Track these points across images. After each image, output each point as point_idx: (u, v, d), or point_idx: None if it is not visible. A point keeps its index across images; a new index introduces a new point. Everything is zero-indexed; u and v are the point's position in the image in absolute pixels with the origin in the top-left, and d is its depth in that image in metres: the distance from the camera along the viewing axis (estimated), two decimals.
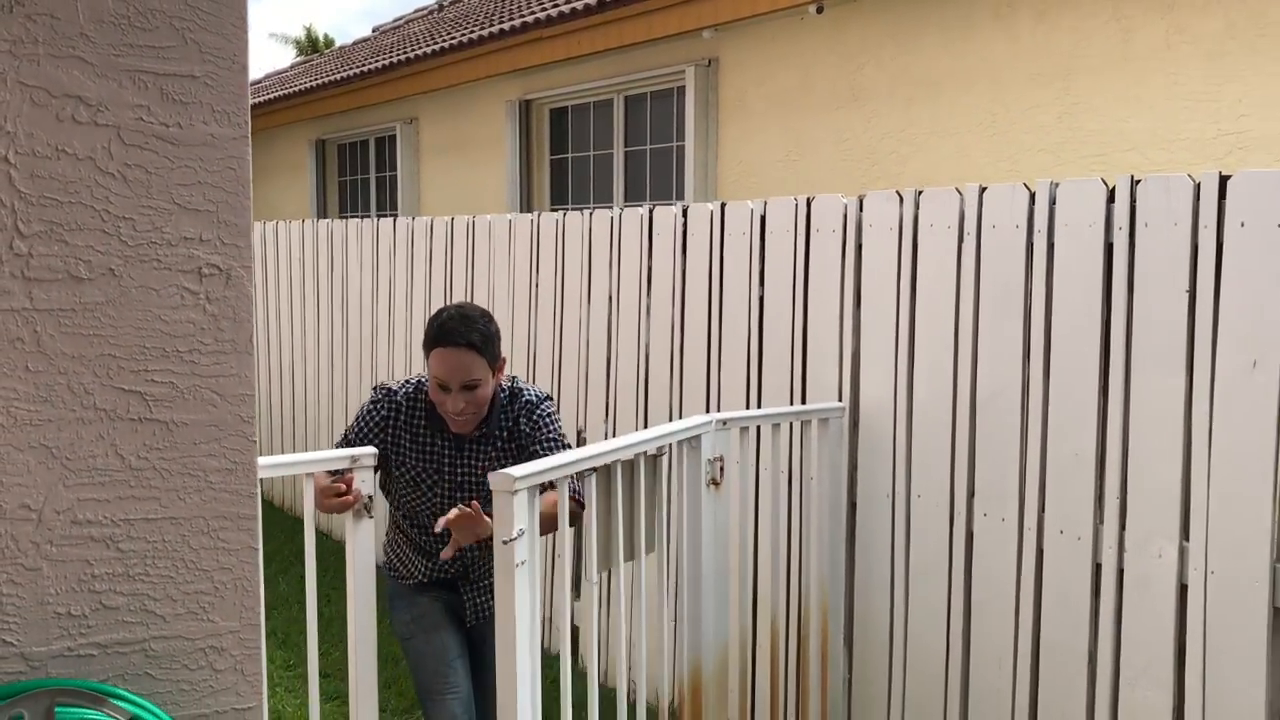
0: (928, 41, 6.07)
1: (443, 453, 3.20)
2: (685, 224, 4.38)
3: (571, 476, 2.76)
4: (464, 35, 9.37)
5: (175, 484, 1.94)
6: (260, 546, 2.04)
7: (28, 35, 1.77)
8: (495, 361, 3.09)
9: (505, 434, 3.19)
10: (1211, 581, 2.81)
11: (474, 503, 2.93)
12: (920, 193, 3.46)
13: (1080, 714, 3.10)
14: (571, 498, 2.91)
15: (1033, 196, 3.15)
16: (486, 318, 3.10)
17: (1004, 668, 3.29)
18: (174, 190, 1.90)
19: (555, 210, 9.14)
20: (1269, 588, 2.72)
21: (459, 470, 3.20)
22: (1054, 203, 3.10)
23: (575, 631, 4.48)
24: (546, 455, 2.98)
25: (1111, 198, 2.97)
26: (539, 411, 3.19)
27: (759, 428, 3.65)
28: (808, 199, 3.83)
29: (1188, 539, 2.88)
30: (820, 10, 6.37)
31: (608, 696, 4.16)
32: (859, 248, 3.65)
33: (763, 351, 4.02)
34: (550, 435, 3.17)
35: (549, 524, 2.87)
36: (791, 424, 3.74)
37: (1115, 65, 5.28)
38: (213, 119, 1.92)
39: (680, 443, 3.34)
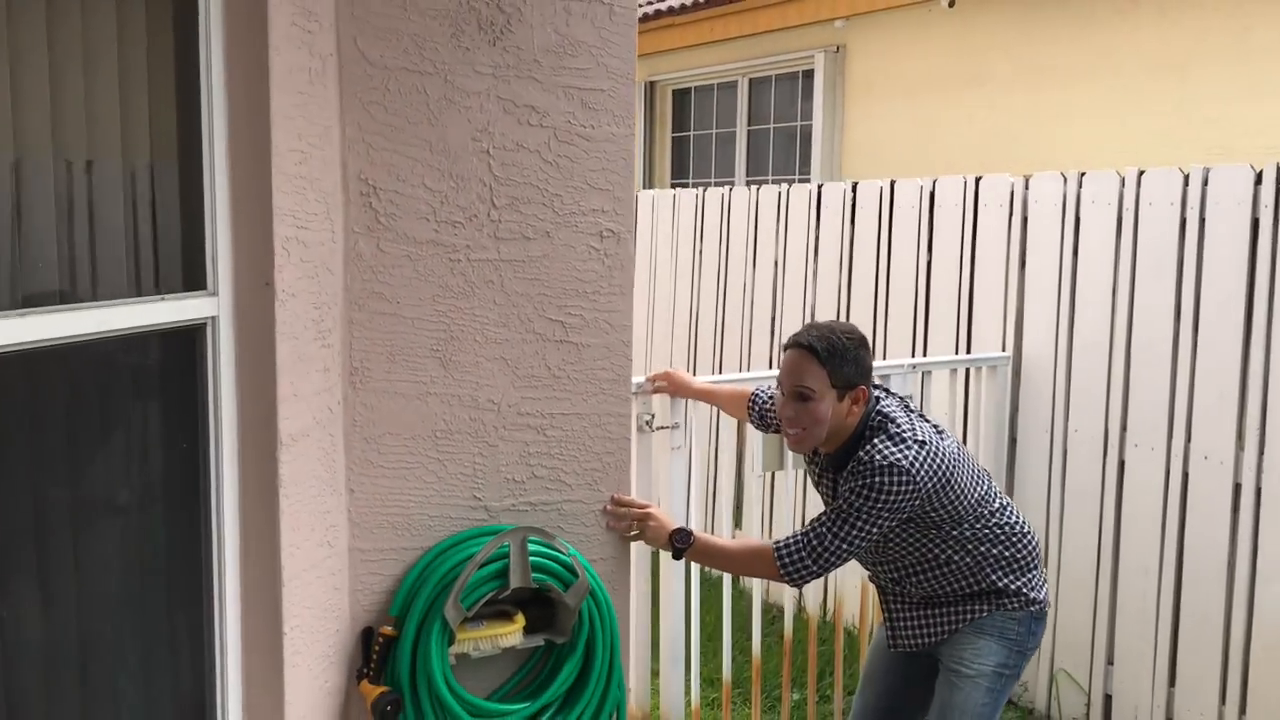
0: (1052, 33, 6.65)
1: (815, 469, 3.00)
2: (854, 198, 5.03)
3: (795, 539, 2.77)
4: None
5: (580, 389, 2.65)
6: (630, 437, 2.75)
7: (503, 62, 2.47)
8: (840, 382, 2.72)
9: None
10: None
11: None
12: (1083, 174, 4.08)
13: (1219, 610, 3.74)
14: (775, 561, 2.78)
15: (1186, 178, 3.77)
16: (848, 334, 2.76)
17: (1150, 575, 3.93)
18: (587, 174, 2.59)
19: (675, 185, 9.82)
20: None
21: (822, 488, 2.99)
22: (1206, 184, 3.71)
23: None
24: (835, 506, 2.73)
25: (1259, 180, 3.58)
26: (866, 470, 2.66)
27: (930, 372, 4.30)
28: (976, 178, 4.47)
29: None
30: (952, 4, 6.96)
31: (799, 617, 4.85)
32: (1024, 220, 4.28)
33: (929, 309, 4.67)
34: (850, 496, 2.69)
35: (729, 564, 3.02)
36: (960, 370, 4.39)
37: (1232, 59, 5.83)
38: (613, 121, 2.62)
39: None
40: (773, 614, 5.05)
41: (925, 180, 4.70)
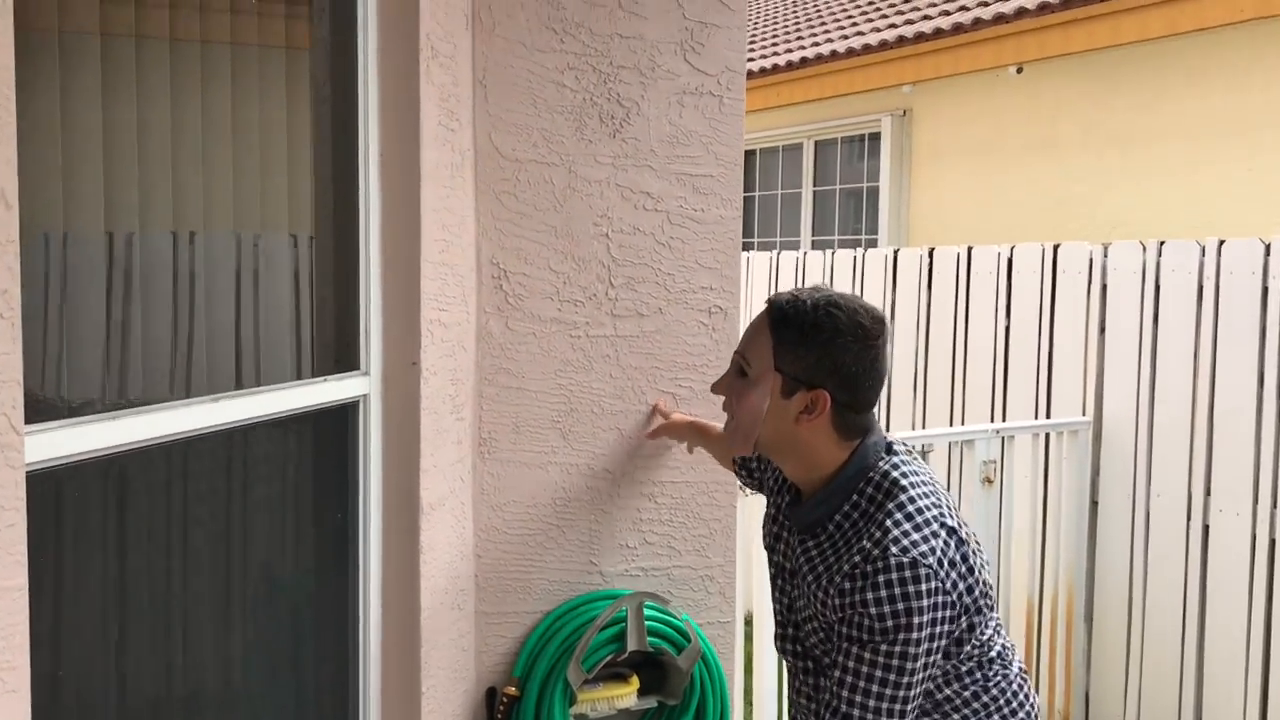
0: (1122, 98, 6.75)
1: (777, 515, 2.02)
2: (930, 264, 5.14)
3: None
4: None
5: (689, 459, 2.77)
6: (736, 505, 2.86)
7: (622, 152, 2.63)
8: (788, 366, 1.78)
9: (837, 544, 1.80)
10: None
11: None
12: (1163, 243, 4.17)
13: None
14: None
15: (1268, 248, 3.85)
16: (836, 308, 1.76)
17: (1237, 640, 3.96)
18: (698, 255, 2.74)
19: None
20: None
21: (780, 547, 1.99)
22: None
23: None
24: (846, 660, 1.71)
25: None
26: (880, 571, 1.68)
27: (1014, 436, 4.38)
28: (1054, 245, 4.57)
29: None
30: (1020, 71, 7.10)
31: None
32: (1104, 288, 4.37)
33: (1008, 373, 4.76)
34: (862, 630, 1.69)
35: None
36: (1041, 434, 4.47)
37: None
38: (721, 205, 2.77)
39: (955, 443, 4.15)
40: None
41: (1003, 247, 4.80)
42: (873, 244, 8.33)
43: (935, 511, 1.75)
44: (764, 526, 2.06)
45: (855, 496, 1.80)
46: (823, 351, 1.76)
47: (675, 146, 2.69)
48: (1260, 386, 3.88)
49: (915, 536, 1.70)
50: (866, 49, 7.96)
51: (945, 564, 1.70)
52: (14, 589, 1.33)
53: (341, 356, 2.20)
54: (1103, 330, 4.38)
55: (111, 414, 1.58)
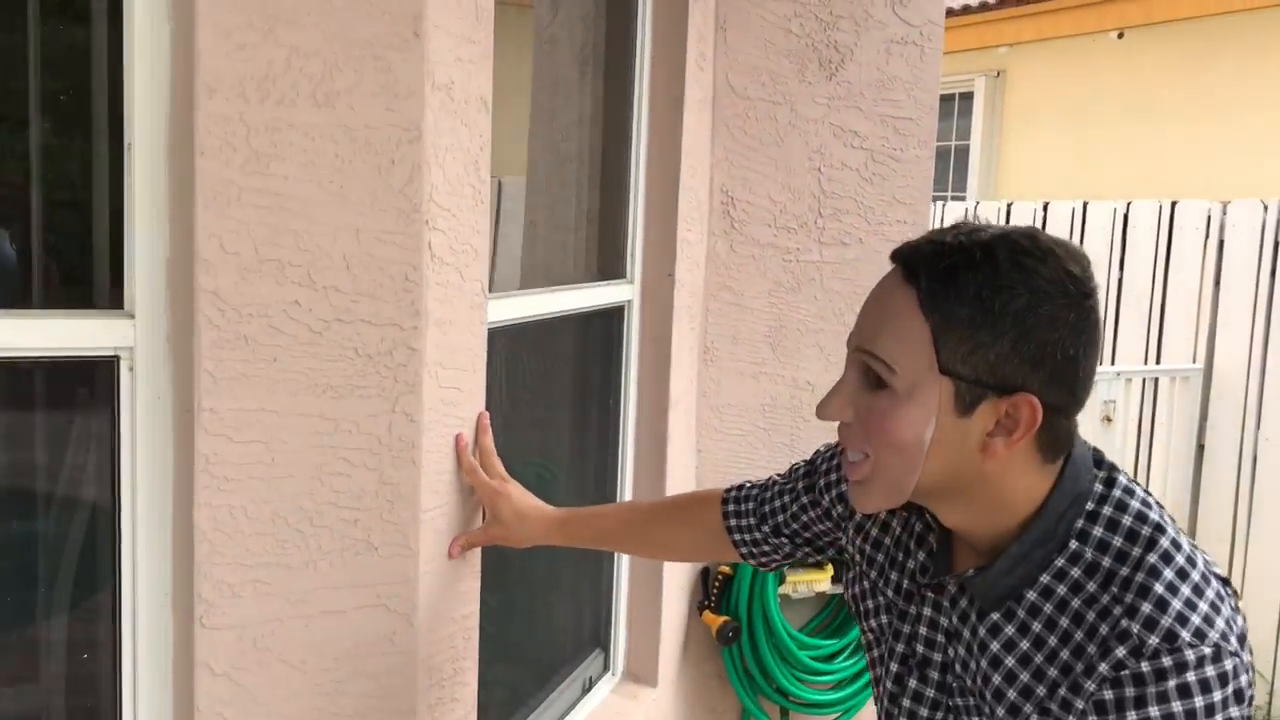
0: (1226, 65, 6.93)
1: (883, 577, 1.33)
2: (1045, 217, 5.40)
3: None
4: None
5: None
6: None
7: (835, 94, 2.91)
8: (965, 356, 1.09)
9: (1058, 626, 1.13)
10: None
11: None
12: None
13: None
14: None
15: None
16: (1015, 251, 1.08)
17: None
18: (895, 190, 3.02)
19: None
20: None
21: (905, 630, 1.30)
22: None
23: None
24: None
25: None
26: (1155, 689, 1.05)
27: (1131, 379, 4.66)
28: (1171, 202, 4.82)
29: None
30: (1121, 36, 7.29)
31: None
32: (1220, 243, 4.62)
33: (1119, 322, 5.02)
34: None
35: None
36: (1152, 379, 4.74)
37: None
38: (918, 146, 3.04)
39: None
40: None
41: (1119, 203, 5.05)
42: (959, 201, 8.54)
43: (1201, 556, 1.15)
44: (852, 588, 1.39)
45: (1075, 544, 1.14)
46: (1022, 330, 1.08)
47: (881, 90, 2.97)
48: None
49: (1204, 608, 1.08)
50: (965, 9, 8.15)
51: (1240, 642, 1.12)
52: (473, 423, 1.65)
53: (611, 267, 2.51)
54: (1217, 283, 4.64)
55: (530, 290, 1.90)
